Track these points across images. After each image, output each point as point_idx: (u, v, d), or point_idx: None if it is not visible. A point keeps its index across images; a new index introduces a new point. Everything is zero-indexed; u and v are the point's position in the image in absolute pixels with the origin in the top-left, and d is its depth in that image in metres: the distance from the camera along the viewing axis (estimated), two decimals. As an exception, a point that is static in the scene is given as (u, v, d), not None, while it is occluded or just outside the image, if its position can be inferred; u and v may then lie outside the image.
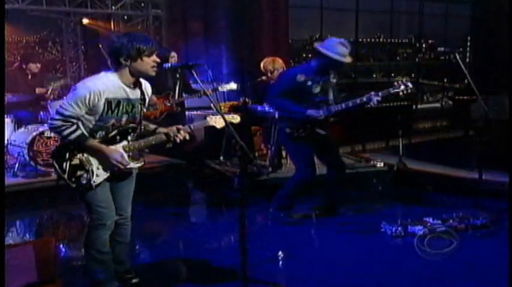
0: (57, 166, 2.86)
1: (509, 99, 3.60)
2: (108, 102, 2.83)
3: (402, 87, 4.31)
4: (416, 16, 12.70)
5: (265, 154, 6.26)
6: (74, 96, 2.79)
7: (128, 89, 2.91)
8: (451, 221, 4.20)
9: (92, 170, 2.88)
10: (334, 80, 4.50)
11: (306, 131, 4.33)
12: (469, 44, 13.38)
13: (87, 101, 2.77)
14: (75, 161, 2.86)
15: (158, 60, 2.92)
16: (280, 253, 3.93)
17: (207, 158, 6.57)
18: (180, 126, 3.11)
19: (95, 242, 3.00)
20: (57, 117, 2.80)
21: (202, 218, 5.48)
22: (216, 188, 5.99)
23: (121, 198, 3.12)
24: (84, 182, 2.87)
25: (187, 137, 3.12)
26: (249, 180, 5.33)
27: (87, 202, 2.96)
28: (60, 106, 2.81)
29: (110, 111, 2.85)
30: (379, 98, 4.25)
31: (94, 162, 2.90)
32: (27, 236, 4.54)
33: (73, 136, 2.80)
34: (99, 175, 2.91)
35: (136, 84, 2.96)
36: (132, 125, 3.00)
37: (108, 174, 2.94)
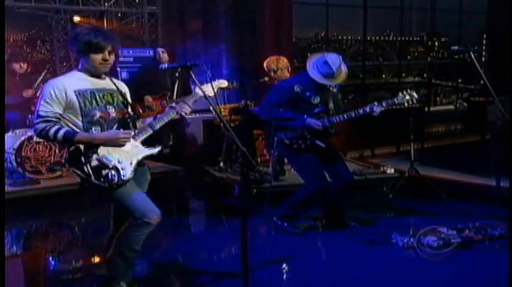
0: (78, 172, 2.95)
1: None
2: (79, 93, 2.97)
3: (407, 97, 4.33)
4: (429, 12, 12.73)
5: (267, 159, 6.26)
6: (43, 96, 2.96)
7: (95, 79, 3.06)
8: (467, 231, 4.20)
9: (116, 166, 2.96)
10: (335, 89, 4.51)
11: (306, 143, 4.34)
12: (484, 42, 13.39)
13: (54, 97, 2.92)
14: (94, 163, 2.94)
15: (107, 57, 3.02)
16: (284, 265, 3.93)
17: (206, 164, 6.58)
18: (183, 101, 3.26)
19: (131, 240, 3.06)
20: (37, 120, 2.94)
21: (201, 228, 5.49)
22: (216, 196, 5.99)
23: None
24: (115, 178, 2.94)
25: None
26: (250, 187, 5.33)
27: (125, 203, 3.02)
28: (36, 110, 2.96)
29: (87, 102, 2.98)
30: (382, 109, 4.29)
31: (113, 157, 2.97)
32: (15, 248, 4.54)
33: (60, 135, 2.90)
34: (125, 168, 3.00)
35: (105, 75, 3.11)
36: (127, 115, 3.13)
37: (133, 166, 3.03)
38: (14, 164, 5.53)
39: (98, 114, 3.02)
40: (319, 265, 3.96)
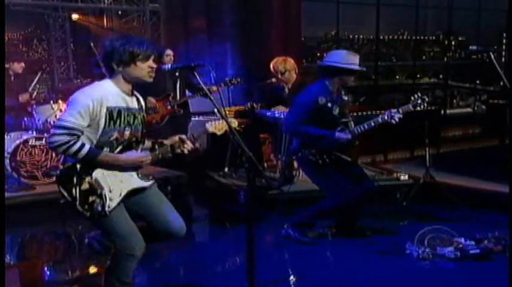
0: (65, 193, 2.83)
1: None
2: (110, 112, 2.85)
3: (419, 101, 4.45)
4: (445, 10, 12.70)
5: (275, 165, 6.26)
6: (76, 106, 2.79)
7: (126, 97, 2.97)
8: (485, 241, 4.16)
9: (105, 194, 2.87)
10: (346, 98, 4.61)
11: (331, 157, 4.35)
12: (504, 41, 13.35)
13: (90, 110, 2.78)
14: (85, 186, 2.84)
15: (154, 65, 2.97)
16: (291, 276, 3.92)
17: (210, 169, 6.58)
18: (183, 137, 3.16)
19: (119, 272, 3.01)
20: (60, 131, 2.76)
21: (204, 236, 5.48)
22: (220, 203, 5.99)
23: (156, 213, 3.14)
24: (99, 209, 2.85)
25: (195, 145, 3.19)
26: (256, 194, 5.33)
27: (107, 231, 2.96)
28: (61, 119, 2.80)
29: (112, 123, 2.87)
30: (400, 115, 4.37)
31: (105, 184, 2.88)
32: (9, 258, 4.55)
33: (83, 152, 2.78)
34: (113, 198, 2.90)
35: (133, 92, 3.03)
36: (134, 138, 3.02)
37: (121, 197, 2.94)
38: (9, 168, 5.55)
39: (115, 135, 2.91)
40: (329, 277, 3.94)
